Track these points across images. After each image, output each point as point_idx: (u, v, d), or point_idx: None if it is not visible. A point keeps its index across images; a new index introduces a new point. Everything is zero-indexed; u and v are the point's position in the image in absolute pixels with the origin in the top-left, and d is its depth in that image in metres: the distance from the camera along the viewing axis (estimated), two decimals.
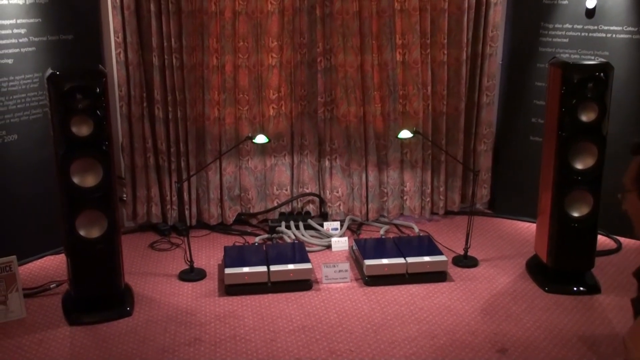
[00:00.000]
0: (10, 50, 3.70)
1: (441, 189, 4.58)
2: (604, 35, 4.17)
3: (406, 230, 4.46)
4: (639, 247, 4.17)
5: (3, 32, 3.64)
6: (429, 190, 4.56)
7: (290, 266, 3.63)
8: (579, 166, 3.47)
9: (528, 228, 4.45)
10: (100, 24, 4.11)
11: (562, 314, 3.39)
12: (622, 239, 4.24)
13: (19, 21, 3.70)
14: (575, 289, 3.59)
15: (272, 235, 4.30)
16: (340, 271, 3.71)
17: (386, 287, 3.65)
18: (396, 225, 4.51)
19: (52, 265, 3.93)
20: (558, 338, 3.17)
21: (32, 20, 3.76)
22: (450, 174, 4.61)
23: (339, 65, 4.30)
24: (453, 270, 3.86)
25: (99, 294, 3.35)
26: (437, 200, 4.61)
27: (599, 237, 3.83)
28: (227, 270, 3.59)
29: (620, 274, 3.82)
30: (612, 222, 4.19)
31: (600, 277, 3.72)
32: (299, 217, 4.44)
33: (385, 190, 4.55)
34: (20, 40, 3.73)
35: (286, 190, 4.51)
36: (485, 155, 4.59)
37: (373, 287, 3.66)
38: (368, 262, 3.69)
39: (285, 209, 4.52)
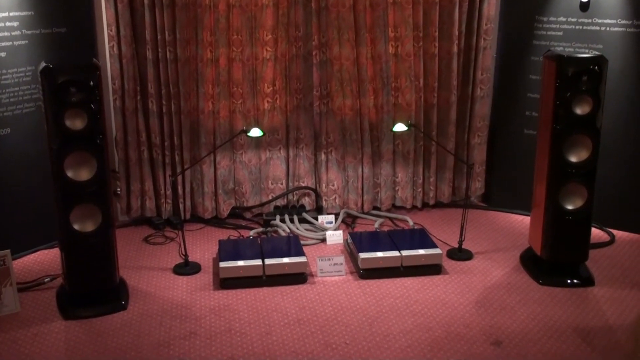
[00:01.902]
0: (3, 44, 3.67)
1: (432, 180, 4.60)
2: (597, 28, 4.17)
3: (401, 223, 4.46)
4: (632, 239, 4.19)
5: None
6: (420, 181, 4.58)
7: (285, 259, 3.63)
8: (573, 159, 3.48)
9: (522, 221, 4.46)
10: (94, 16, 4.09)
11: (556, 306, 3.40)
12: (615, 232, 4.25)
13: (11, 14, 3.68)
14: (569, 281, 3.61)
15: (267, 229, 4.30)
16: (335, 264, 3.71)
17: (381, 280, 3.66)
18: (390, 219, 4.51)
19: (46, 259, 3.92)
20: (552, 330, 3.18)
21: (24, 13, 3.74)
22: (441, 166, 4.62)
23: (334, 58, 4.29)
24: (447, 263, 3.87)
25: (93, 288, 3.34)
26: (427, 191, 4.62)
27: (593, 229, 3.84)
28: (222, 264, 3.59)
29: (613, 267, 3.83)
30: (605, 214, 4.21)
31: (594, 270, 3.73)
32: (293, 210, 4.44)
33: (378, 182, 4.56)
34: (13, 34, 3.70)
35: (281, 184, 4.51)
36: (480, 148, 4.59)
37: (368, 280, 3.67)
38: (363, 255, 3.69)
39: (281, 202, 4.52)
